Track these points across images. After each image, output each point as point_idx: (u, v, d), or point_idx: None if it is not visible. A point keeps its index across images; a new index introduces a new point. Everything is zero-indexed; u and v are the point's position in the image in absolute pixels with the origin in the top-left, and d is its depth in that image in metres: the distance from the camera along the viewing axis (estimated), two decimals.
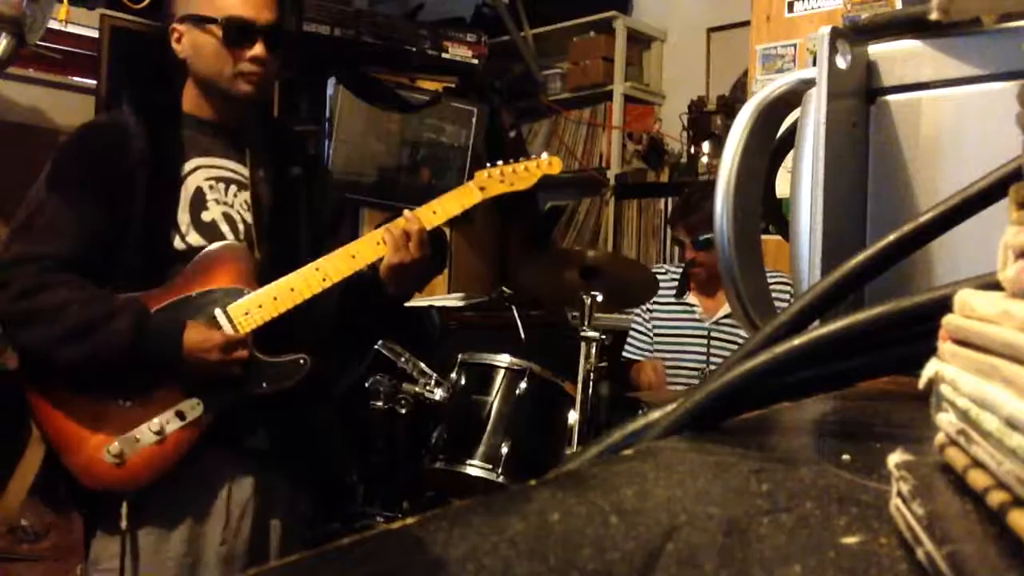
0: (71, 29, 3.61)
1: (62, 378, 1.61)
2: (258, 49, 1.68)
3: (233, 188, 1.75)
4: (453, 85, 4.01)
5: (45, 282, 1.56)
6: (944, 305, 0.32)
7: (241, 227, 1.73)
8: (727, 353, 2.73)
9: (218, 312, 1.65)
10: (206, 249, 1.68)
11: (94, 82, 3.77)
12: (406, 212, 1.78)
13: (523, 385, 2.40)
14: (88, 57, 3.80)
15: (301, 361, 1.70)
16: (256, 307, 1.66)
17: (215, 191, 1.72)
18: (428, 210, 1.81)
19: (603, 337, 2.46)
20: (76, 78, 3.87)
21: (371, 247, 1.74)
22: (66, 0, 3.18)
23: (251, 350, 1.66)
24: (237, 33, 1.67)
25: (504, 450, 2.32)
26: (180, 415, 1.62)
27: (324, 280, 1.69)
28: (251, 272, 1.70)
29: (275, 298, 1.67)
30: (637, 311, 3.03)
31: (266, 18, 1.70)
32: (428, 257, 1.77)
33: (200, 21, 1.68)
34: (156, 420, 1.60)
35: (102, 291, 1.60)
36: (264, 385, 1.67)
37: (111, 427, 1.60)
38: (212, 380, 1.63)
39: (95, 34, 3.73)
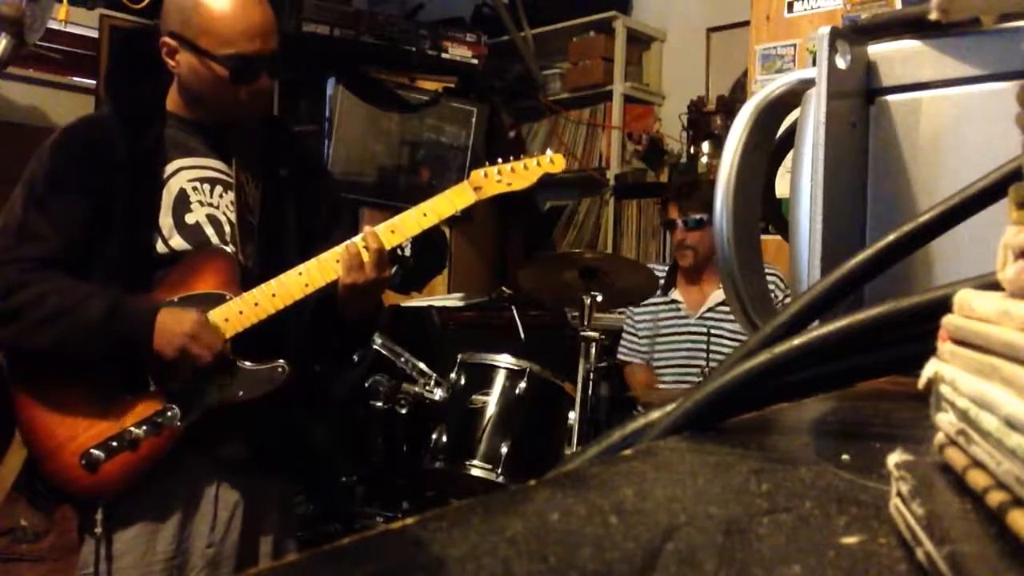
0: (71, 29, 3.62)
1: (44, 380, 1.61)
2: (263, 82, 1.66)
3: (219, 188, 1.70)
4: (453, 85, 4.01)
5: (25, 280, 1.55)
6: (944, 305, 0.32)
7: (227, 228, 1.69)
8: (719, 346, 2.74)
9: (211, 317, 1.62)
10: (190, 253, 1.65)
11: (93, 82, 3.77)
12: (366, 228, 1.67)
13: (523, 385, 2.40)
14: (88, 57, 3.80)
15: (279, 368, 1.65)
16: (236, 313, 1.62)
17: (199, 192, 1.68)
18: (387, 229, 1.68)
19: (603, 337, 2.46)
20: (76, 78, 3.88)
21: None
22: (66, 0, 3.18)
23: (227, 353, 1.62)
24: (243, 71, 1.63)
25: (504, 450, 2.32)
26: (155, 423, 1.59)
27: (307, 286, 1.64)
28: (234, 277, 1.66)
29: (256, 304, 1.63)
30: (627, 312, 3.05)
31: (270, 47, 1.65)
32: (386, 279, 1.67)
33: (199, 51, 1.63)
34: (131, 427, 1.58)
35: (82, 283, 1.58)
36: (240, 393, 1.63)
37: (88, 434, 1.59)
38: (187, 376, 1.60)
39: (95, 34, 3.73)
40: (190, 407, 1.61)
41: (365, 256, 1.64)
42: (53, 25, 3.14)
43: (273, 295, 1.63)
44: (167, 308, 1.58)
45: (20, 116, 3.68)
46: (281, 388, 1.65)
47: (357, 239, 1.65)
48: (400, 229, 1.69)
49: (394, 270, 1.75)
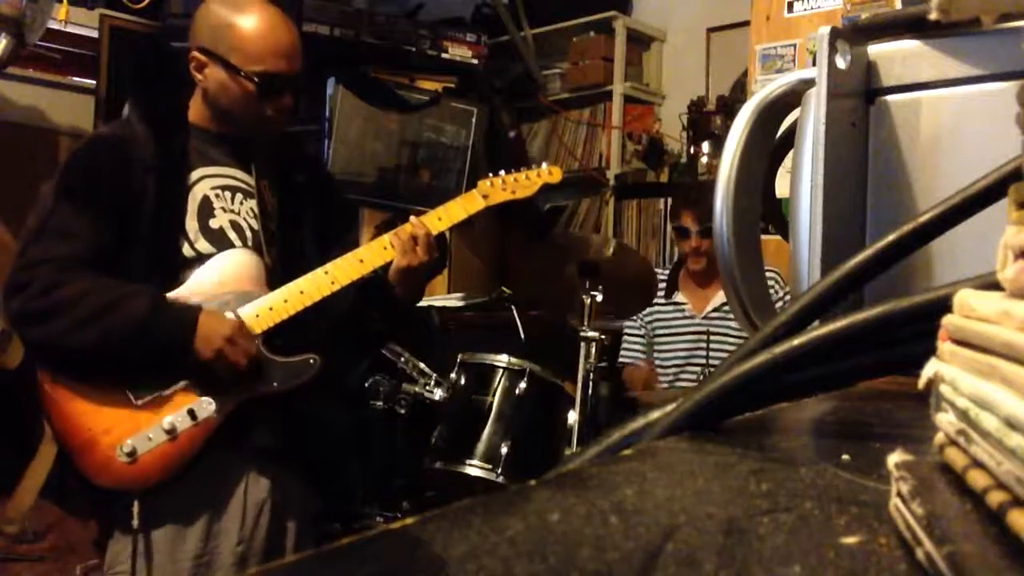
0: (71, 29, 3.62)
1: (77, 376, 1.64)
2: (287, 100, 1.74)
3: (239, 196, 1.78)
4: (453, 85, 4.01)
5: (63, 279, 1.59)
6: (944, 305, 0.32)
7: (248, 234, 1.76)
8: (723, 346, 2.74)
9: (230, 315, 1.68)
10: (218, 255, 1.71)
11: (93, 82, 3.77)
12: (412, 218, 1.82)
13: (523, 385, 2.40)
14: (88, 57, 3.80)
15: (311, 361, 1.72)
16: (267, 310, 1.70)
17: (221, 199, 1.76)
18: (434, 216, 1.86)
19: (603, 337, 2.46)
20: (76, 78, 3.87)
21: (379, 252, 1.78)
22: (66, 0, 3.18)
23: (260, 349, 1.68)
24: (270, 88, 1.71)
25: (504, 450, 2.32)
26: (192, 414, 1.64)
27: (332, 283, 1.73)
28: (262, 276, 1.74)
29: (285, 300, 1.71)
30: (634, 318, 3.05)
31: (296, 67, 1.74)
32: (435, 261, 1.82)
33: (231, 69, 1.70)
34: (168, 419, 1.63)
35: (121, 283, 1.62)
36: (275, 385, 1.70)
37: (124, 426, 1.62)
38: (221, 376, 1.64)
39: (95, 34, 3.73)
40: (225, 399, 1.67)
41: (416, 242, 1.79)
42: (53, 25, 3.15)
43: (301, 292, 1.72)
44: (207, 310, 1.64)
45: (20, 116, 3.67)
46: (312, 381, 1.72)
47: (405, 226, 1.80)
48: (435, 221, 1.87)
49: None
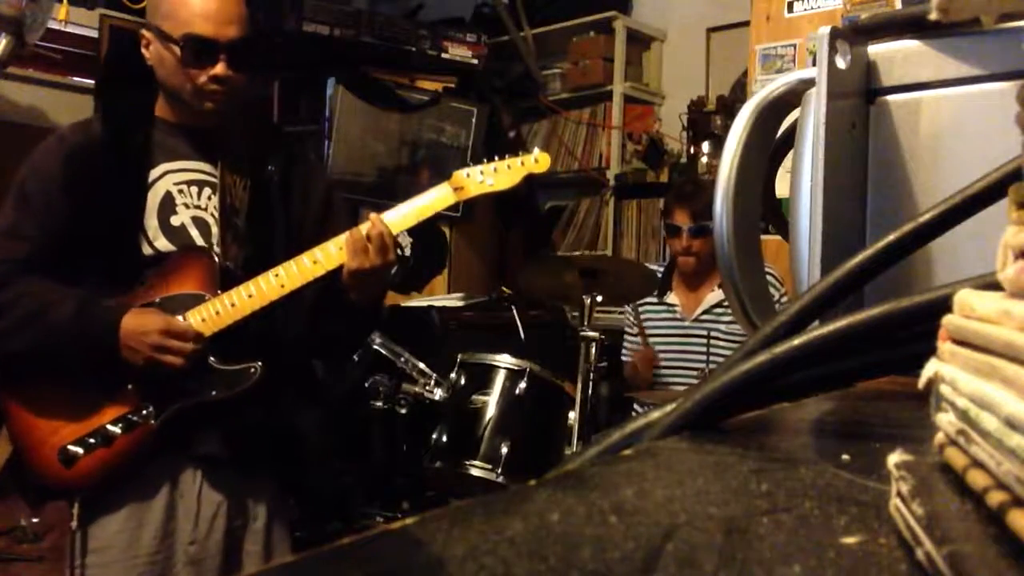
0: (71, 29, 3.63)
1: (26, 379, 1.65)
2: (219, 68, 1.64)
3: (207, 191, 1.72)
4: (453, 85, 4.01)
5: (7, 282, 1.60)
6: (944, 305, 0.32)
7: (214, 230, 1.71)
8: (714, 349, 2.73)
9: (179, 319, 1.63)
10: (172, 255, 1.67)
11: (93, 82, 3.77)
12: (372, 215, 1.69)
13: (523, 385, 2.40)
14: (88, 57, 3.80)
15: (251, 369, 1.65)
16: (213, 313, 1.64)
17: (185, 195, 1.70)
18: (395, 213, 1.72)
19: (603, 337, 2.46)
20: (76, 78, 3.88)
21: (336, 252, 1.68)
22: (66, 0, 3.18)
23: (204, 355, 1.63)
24: (196, 52, 1.64)
25: (504, 450, 2.32)
26: (130, 420, 1.62)
27: (282, 287, 1.65)
28: (213, 278, 1.67)
29: (233, 304, 1.64)
30: (628, 311, 3.04)
31: (229, 35, 1.65)
32: (391, 263, 1.68)
33: (162, 36, 1.66)
34: (108, 424, 1.61)
35: (57, 286, 1.61)
36: (213, 393, 1.65)
37: (66, 430, 1.62)
38: (160, 379, 1.61)
39: (95, 34, 3.74)
40: (164, 406, 1.63)
41: (370, 241, 1.65)
42: (53, 25, 3.15)
43: (249, 295, 1.65)
44: (133, 312, 1.60)
45: (20, 116, 3.68)
46: (267, 386, 1.66)
47: (363, 225, 1.67)
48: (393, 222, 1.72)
49: (394, 269, 1.76)
